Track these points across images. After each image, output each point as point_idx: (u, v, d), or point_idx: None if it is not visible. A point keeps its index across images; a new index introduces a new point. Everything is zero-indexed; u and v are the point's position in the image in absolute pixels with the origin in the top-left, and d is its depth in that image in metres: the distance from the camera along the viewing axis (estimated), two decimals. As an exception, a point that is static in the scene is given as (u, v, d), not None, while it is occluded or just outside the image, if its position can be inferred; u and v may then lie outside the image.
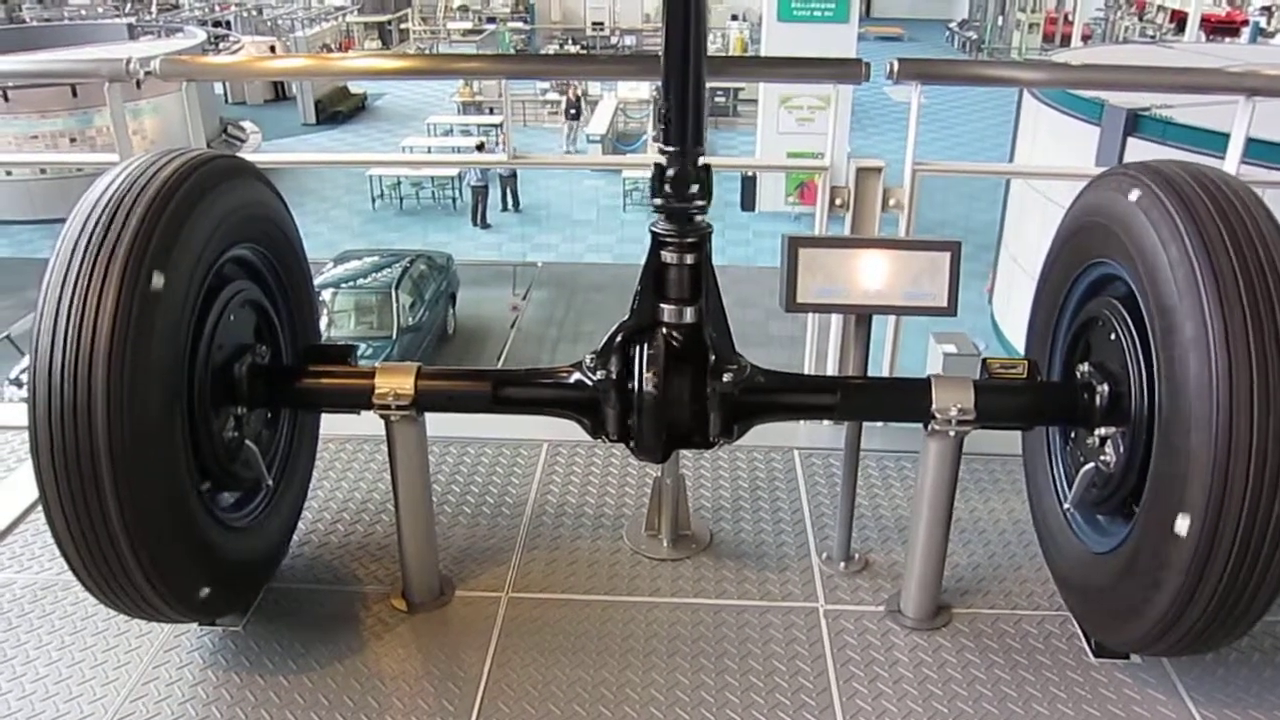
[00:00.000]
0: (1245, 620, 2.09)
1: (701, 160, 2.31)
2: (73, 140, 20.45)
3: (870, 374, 2.74)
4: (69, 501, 2.00)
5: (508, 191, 22.24)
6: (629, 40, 38.98)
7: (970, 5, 44.10)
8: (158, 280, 2.02)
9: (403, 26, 42.36)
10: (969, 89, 29.00)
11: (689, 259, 2.37)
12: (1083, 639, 2.56)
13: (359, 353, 2.71)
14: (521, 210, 22.41)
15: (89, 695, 2.40)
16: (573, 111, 25.95)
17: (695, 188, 2.31)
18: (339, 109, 30.43)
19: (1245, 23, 33.09)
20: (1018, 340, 13.41)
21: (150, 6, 35.55)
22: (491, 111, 27.97)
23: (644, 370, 2.37)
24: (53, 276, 1.99)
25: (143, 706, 2.36)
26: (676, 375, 2.39)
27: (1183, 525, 1.99)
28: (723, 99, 27.59)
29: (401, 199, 22.80)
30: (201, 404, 2.25)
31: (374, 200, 22.64)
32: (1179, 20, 34.07)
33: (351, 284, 14.79)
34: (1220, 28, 33.49)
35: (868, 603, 2.73)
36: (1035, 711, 2.35)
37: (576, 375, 2.50)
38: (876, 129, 26.30)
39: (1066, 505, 2.56)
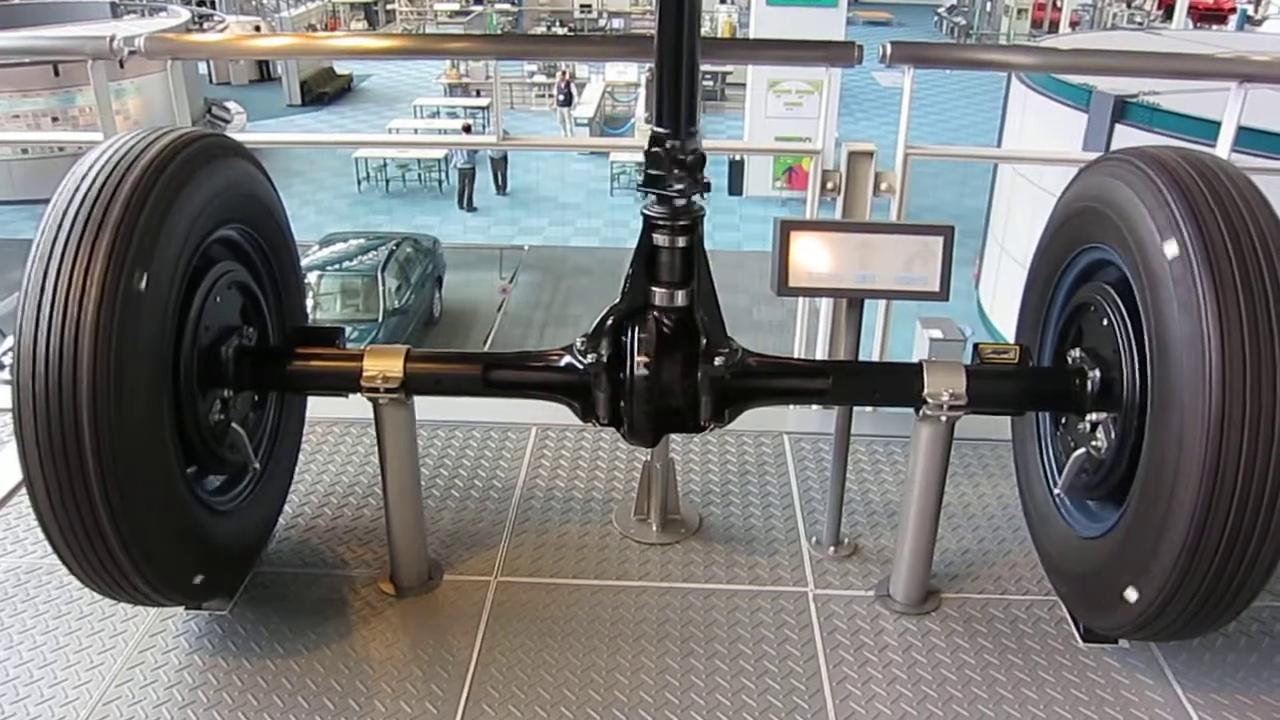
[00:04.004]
0: (1234, 606, 2.09)
1: (695, 143, 2.29)
2: (55, 120, 20.23)
3: (859, 359, 2.74)
4: (54, 484, 1.98)
5: (497, 174, 22.15)
6: (617, 23, 38.80)
7: (959, -10, 44.03)
8: (145, 260, 1.99)
9: (389, 7, 42.05)
10: (957, 74, 28.98)
11: (681, 242, 2.35)
12: (1071, 624, 2.57)
13: (345, 335, 2.69)
14: (508, 193, 22.33)
15: (74, 680, 2.38)
16: (562, 98, 25.78)
17: (688, 170, 2.28)
18: (324, 90, 30.18)
19: (1233, 10, 33.15)
20: (1004, 326, 13.45)
21: (133, -16, 35.21)
22: (478, 94, 27.82)
23: (635, 354, 2.36)
24: (37, 256, 1.96)
25: (128, 691, 2.35)
26: (668, 359, 2.37)
27: (1173, 511, 1.99)
28: (710, 83, 27.47)
29: (388, 181, 22.67)
30: (188, 386, 2.23)
31: (360, 182, 22.51)
32: (1167, 7, 34.12)
33: (337, 266, 14.71)
34: (1208, 15, 33.55)
35: (857, 587, 2.73)
36: (1024, 696, 2.35)
37: (567, 359, 2.48)
38: (865, 114, 26.28)
39: (1057, 490, 2.56)
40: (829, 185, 3.44)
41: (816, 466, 3.29)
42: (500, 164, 21.97)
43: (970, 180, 19.30)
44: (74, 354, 1.91)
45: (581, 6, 40.37)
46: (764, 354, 2.55)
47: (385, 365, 2.46)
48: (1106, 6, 36.71)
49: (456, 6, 40.81)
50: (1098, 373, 2.38)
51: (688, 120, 2.25)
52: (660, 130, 2.26)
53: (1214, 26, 30.41)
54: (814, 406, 3.59)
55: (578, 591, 2.70)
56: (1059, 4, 37.64)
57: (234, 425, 2.44)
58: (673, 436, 2.88)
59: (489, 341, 15.27)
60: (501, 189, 22.28)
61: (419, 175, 22.84)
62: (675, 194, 2.30)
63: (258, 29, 28.99)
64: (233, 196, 2.38)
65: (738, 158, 19.98)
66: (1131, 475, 2.20)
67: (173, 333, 2.14)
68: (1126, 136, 11.51)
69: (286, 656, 2.46)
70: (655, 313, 2.39)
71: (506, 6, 40.91)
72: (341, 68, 31.62)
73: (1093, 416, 2.39)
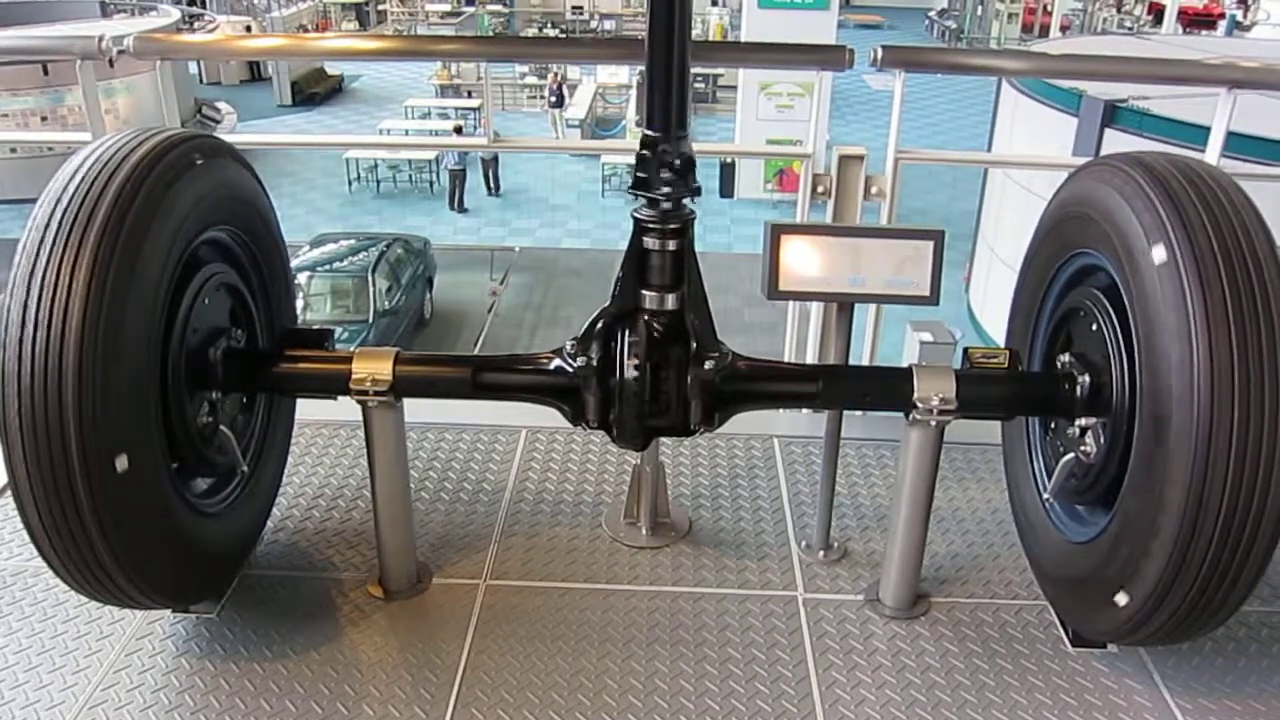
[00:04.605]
0: (1223, 611, 2.10)
1: (685, 146, 2.29)
2: (44, 119, 20.13)
3: (849, 363, 2.74)
4: (39, 487, 1.96)
5: (488, 175, 22.12)
6: (608, 25, 38.81)
7: (950, -6, 44.17)
8: (132, 261, 1.98)
9: (380, 8, 41.94)
10: (948, 78, 29.05)
11: (671, 245, 2.35)
12: (1060, 629, 2.57)
13: (334, 337, 2.68)
14: (499, 195, 22.31)
15: (60, 683, 2.36)
16: (553, 99, 25.76)
17: (678, 173, 2.28)
18: (315, 90, 30.09)
19: (1222, 16, 33.29)
20: (994, 329, 13.47)
21: (123, -17, 35.07)
22: (470, 95, 27.77)
23: (625, 357, 2.35)
24: (24, 257, 1.94)
25: (115, 695, 2.33)
26: (658, 362, 2.37)
27: (1162, 517, 2.00)
28: (702, 85, 27.51)
29: (379, 182, 22.62)
30: (175, 388, 2.22)
31: (350, 183, 22.45)
32: (1156, 12, 34.29)
33: (328, 267, 14.68)
34: (1197, 20, 33.70)
35: (846, 591, 2.73)
36: (1012, 700, 2.36)
37: (557, 362, 2.47)
38: (856, 117, 26.33)
39: (1046, 495, 2.56)
40: (820, 189, 3.44)
41: (806, 470, 3.29)
42: (491, 165, 21.93)
43: (961, 183, 19.33)
44: (59, 355, 1.90)
45: (573, 8, 40.33)
46: (754, 357, 2.55)
47: (374, 368, 2.46)
48: (1096, 11, 36.89)
49: (448, 7, 40.78)
50: (1087, 378, 2.38)
51: (678, 122, 2.24)
52: (651, 133, 2.26)
53: (1203, 32, 30.53)
54: (804, 410, 3.58)
55: (567, 595, 2.70)
56: (1049, 8, 37.82)
57: (222, 427, 2.43)
58: (662, 440, 2.88)
59: (479, 343, 15.25)
60: (492, 190, 22.25)
61: (410, 176, 22.79)
62: (665, 197, 2.30)
63: (248, 29, 28.94)
64: (221, 198, 2.37)
65: (729, 160, 19.98)
66: (1120, 480, 2.20)
67: (160, 334, 2.13)
68: (1116, 141, 11.56)
69: (274, 660, 2.45)
70: (645, 316, 2.38)
71: (498, 8, 40.84)
72: (332, 68, 31.53)
73: (1082, 421, 2.39)
